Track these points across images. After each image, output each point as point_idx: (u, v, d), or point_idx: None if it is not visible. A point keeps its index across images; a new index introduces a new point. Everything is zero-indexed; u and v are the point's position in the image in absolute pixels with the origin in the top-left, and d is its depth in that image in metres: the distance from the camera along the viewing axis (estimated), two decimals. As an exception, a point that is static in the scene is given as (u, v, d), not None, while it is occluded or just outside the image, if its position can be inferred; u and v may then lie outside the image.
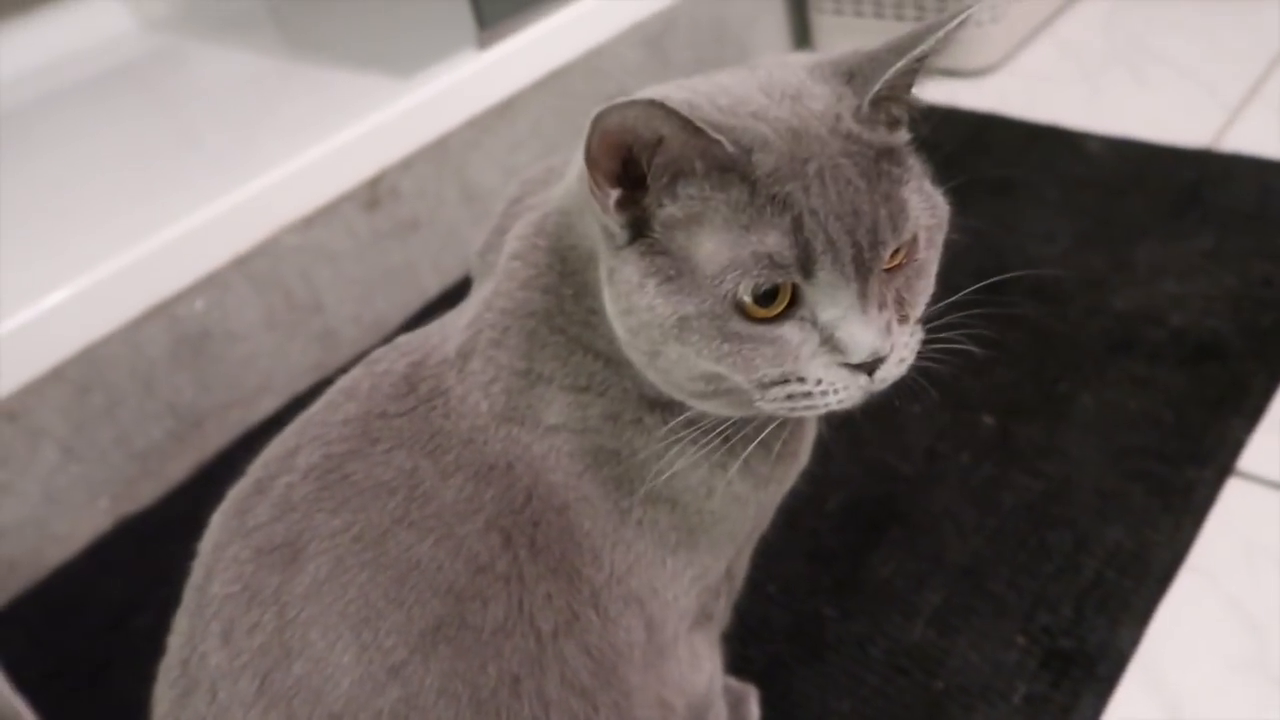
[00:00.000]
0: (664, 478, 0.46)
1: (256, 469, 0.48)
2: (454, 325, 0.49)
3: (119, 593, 0.83)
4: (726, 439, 0.45)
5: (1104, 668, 0.64)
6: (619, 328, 0.43)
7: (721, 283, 0.39)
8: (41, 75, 1.47)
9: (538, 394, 0.46)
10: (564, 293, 0.46)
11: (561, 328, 0.46)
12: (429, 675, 0.42)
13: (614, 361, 0.46)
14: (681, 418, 0.45)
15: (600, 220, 0.42)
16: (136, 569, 0.84)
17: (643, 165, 0.40)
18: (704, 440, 0.45)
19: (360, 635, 0.42)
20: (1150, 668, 0.64)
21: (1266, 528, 0.71)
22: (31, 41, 1.53)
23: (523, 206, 0.51)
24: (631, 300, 0.41)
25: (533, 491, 0.45)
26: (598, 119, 0.38)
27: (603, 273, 0.43)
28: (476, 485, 0.45)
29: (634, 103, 0.37)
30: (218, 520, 0.47)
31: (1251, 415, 0.78)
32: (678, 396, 0.45)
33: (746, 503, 0.50)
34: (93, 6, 1.60)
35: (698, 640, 0.52)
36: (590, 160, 0.40)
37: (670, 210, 0.40)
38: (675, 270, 0.40)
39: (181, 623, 0.46)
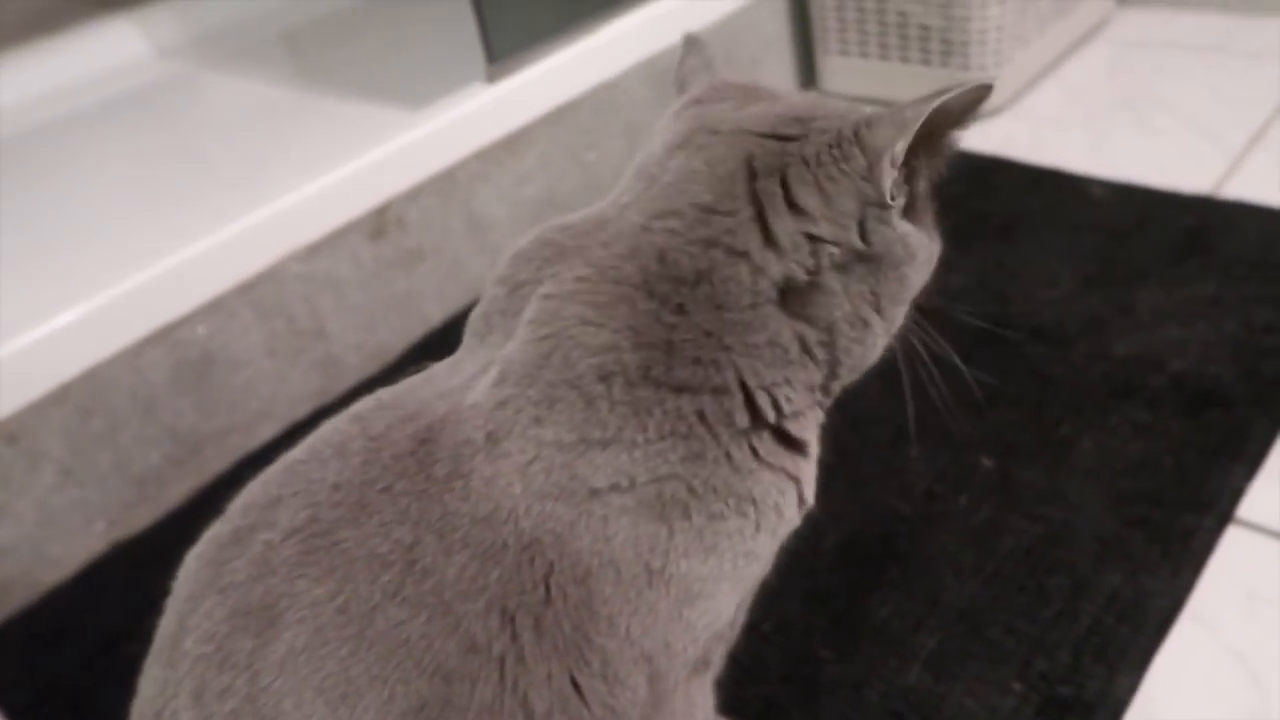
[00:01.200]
0: (723, 520, 0.45)
1: (235, 514, 0.46)
2: (450, 386, 0.47)
3: (111, 617, 0.82)
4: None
5: (1101, 716, 0.63)
6: (894, 292, 0.50)
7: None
8: (54, 99, 1.49)
9: (587, 460, 0.44)
10: (677, 336, 0.44)
11: (657, 378, 0.44)
12: None
13: (722, 391, 0.45)
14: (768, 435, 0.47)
15: (861, 193, 0.46)
16: (129, 594, 0.84)
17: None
18: (778, 464, 0.47)
19: (336, 711, 0.40)
20: (1148, 717, 0.63)
21: (1266, 577, 0.70)
22: (46, 66, 1.56)
23: (535, 273, 0.48)
24: (917, 252, 0.49)
25: (555, 566, 0.43)
26: (966, 91, 0.47)
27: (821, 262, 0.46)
28: (483, 564, 0.42)
29: (974, 86, 0.47)
30: (192, 566, 0.46)
31: (1252, 463, 0.78)
32: (866, 360, 0.52)
33: (777, 538, 0.50)
34: (107, 32, 1.63)
35: (694, 688, 0.51)
36: (904, 141, 0.46)
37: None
38: (918, 218, 0.50)
39: (154, 671, 0.45)
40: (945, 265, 1.10)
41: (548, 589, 0.43)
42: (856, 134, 0.47)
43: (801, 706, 0.67)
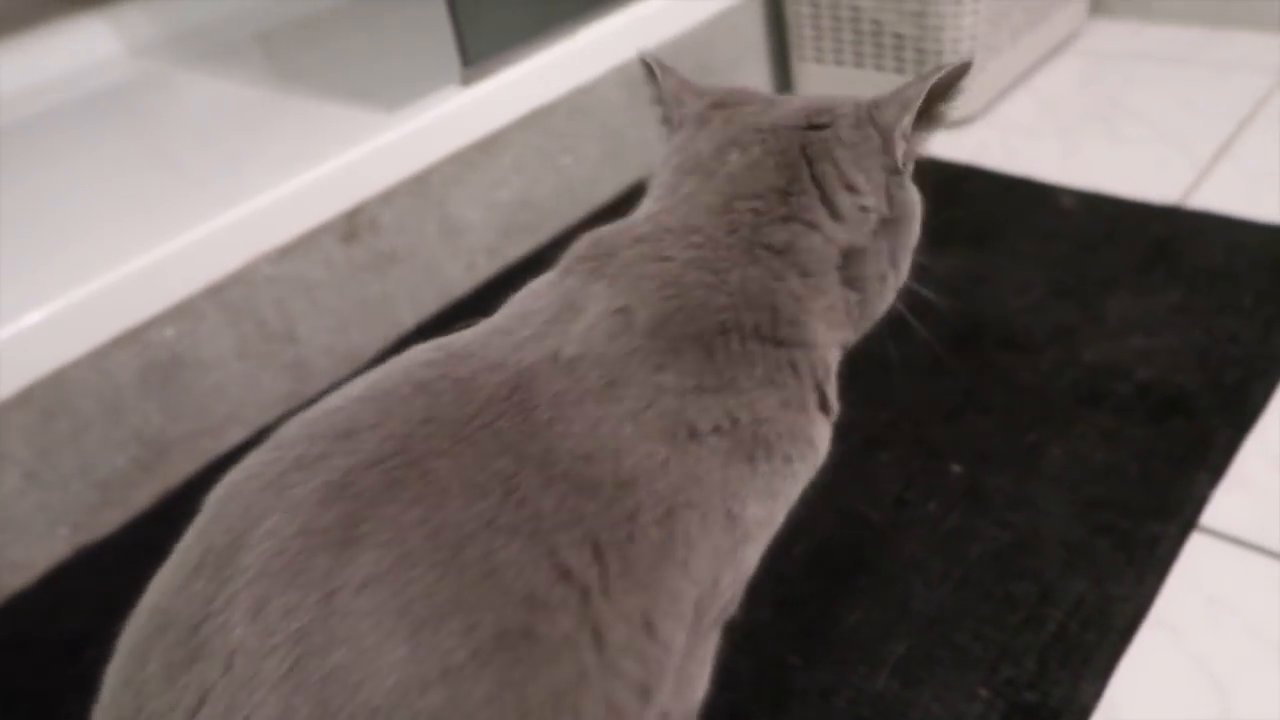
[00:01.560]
0: (789, 464, 0.52)
1: (293, 444, 0.46)
2: (522, 338, 0.50)
3: (75, 624, 0.81)
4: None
5: (1066, 722, 0.64)
6: (907, 244, 0.59)
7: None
8: (25, 98, 1.47)
9: (699, 404, 0.49)
10: (778, 300, 0.52)
11: (764, 334, 0.51)
12: (481, 683, 0.41)
13: (808, 345, 0.53)
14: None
15: (902, 173, 0.56)
16: (94, 599, 0.83)
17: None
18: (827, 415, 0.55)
19: (417, 634, 0.40)
20: (1112, 723, 0.64)
21: (1228, 583, 0.71)
22: (16, 64, 1.54)
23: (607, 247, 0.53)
24: (919, 209, 0.58)
25: (643, 505, 0.46)
26: (951, 70, 0.55)
27: (869, 216, 0.54)
28: (580, 498, 0.45)
29: (959, 65, 0.55)
30: (246, 488, 0.45)
31: (1215, 471, 0.79)
32: (880, 311, 0.60)
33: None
34: (79, 31, 1.61)
35: (714, 637, 0.55)
36: (909, 117, 0.54)
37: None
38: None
39: (185, 582, 0.43)
40: (917, 272, 1.11)
41: (633, 526, 0.45)
42: (870, 115, 0.56)
43: (770, 713, 0.67)
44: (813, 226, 0.54)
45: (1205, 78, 1.35)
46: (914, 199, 0.58)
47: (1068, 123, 1.32)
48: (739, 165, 0.55)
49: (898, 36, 1.31)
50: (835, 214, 0.54)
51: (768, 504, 0.53)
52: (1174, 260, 1.02)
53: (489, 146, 1.13)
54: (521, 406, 0.46)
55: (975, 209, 1.16)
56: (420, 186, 1.07)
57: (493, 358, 0.49)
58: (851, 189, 0.55)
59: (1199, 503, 0.77)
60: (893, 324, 0.99)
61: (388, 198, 1.05)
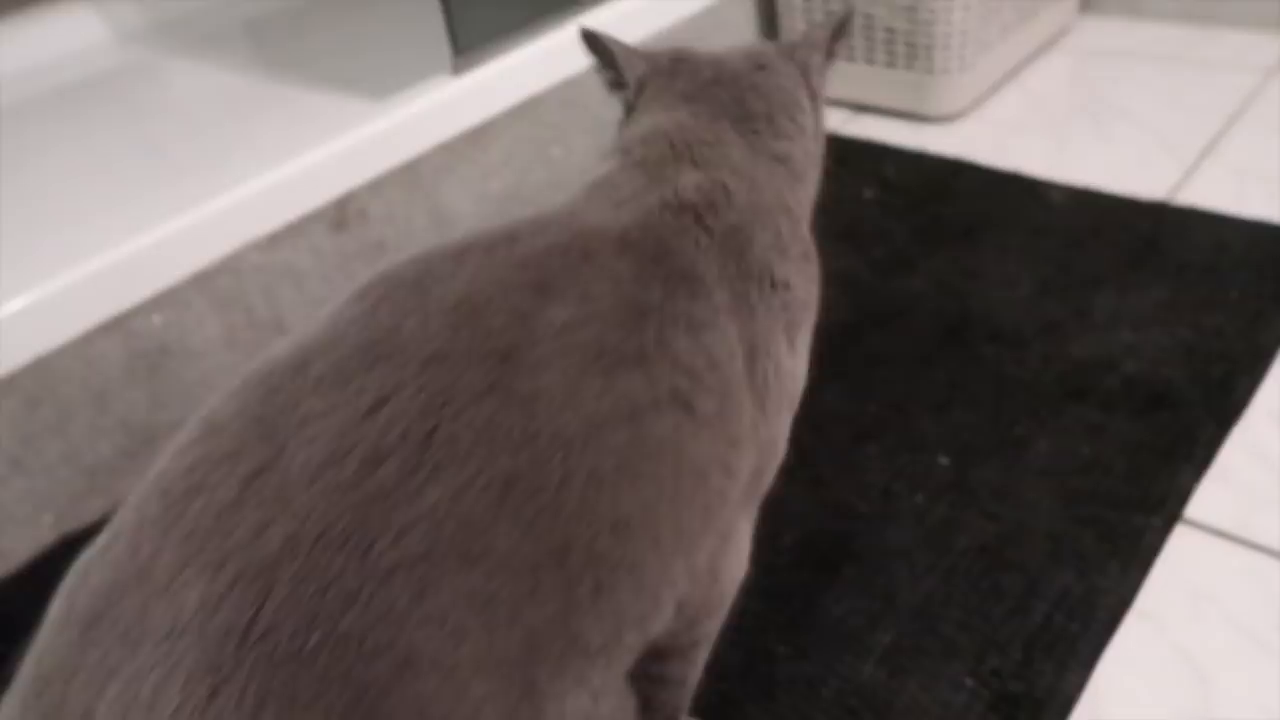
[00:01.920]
0: (809, 315, 0.64)
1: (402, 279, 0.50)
2: (618, 204, 0.58)
3: (59, 611, 0.81)
4: None
5: (1050, 712, 0.64)
6: (820, 142, 0.72)
7: None
8: (9, 84, 1.46)
9: (780, 264, 0.59)
10: (789, 187, 0.65)
11: (793, 208, 0.64)
12: (657, 427, 0.48)
13: (804, 221, 0.67)
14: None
15: (817, 98, 0.71)
16: (79, 587, 0.82)
17: None
18: None
19: (611, 377, 0.47)
20: (1096, 713, 0.64)
21: (1212, 575, 0.72)
22: (7, 48, 1.52)
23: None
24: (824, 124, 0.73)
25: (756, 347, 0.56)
26: (842, 17, 0.70)
27: (806, 126, 0.68)
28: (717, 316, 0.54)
29: (847, 13, 0.71)
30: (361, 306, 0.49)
31: (1200, 464, 0.80)
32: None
33: None
34: (66, 17, 1.59)
35: (751, 517, 0.62)
36: (819, 55, 0.70)
37: None
38: None
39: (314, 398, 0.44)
40: (907, 266, 1.12)
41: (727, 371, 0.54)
42: (792, 56, 0.70)
43: (758, 703, 0.68)
44: (792, 139, 0.67)
45: (1193, 75, 1.36)
46: (823, 117, 0.74)
47: (1057, 119, 1.33)
48: (728, 99, 0.66)
49: (889, 31, 1.31)
50: (800, 130, 0.68)
51: (797, 359, 0.62)
52: (1161, 256, 1.02)
53: (479, 137, 1.12)
54: (666, 278, 0.53)
55: (964, 204, 1.16)
56: (410, 176, 1.07)
57: (590, 226, 0.56)
58: (799, 110, 0.68)
59: (1183, 495, 0.77)
60: (881, 318, 1.00)
61: (377, 187, 1.04)
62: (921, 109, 1.35)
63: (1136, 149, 1.23)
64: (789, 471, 0.85)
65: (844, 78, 1.39)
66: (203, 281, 0.92)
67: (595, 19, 1.21)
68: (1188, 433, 0.82)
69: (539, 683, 0.44)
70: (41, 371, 0.84)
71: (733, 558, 0.59)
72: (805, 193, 0.69)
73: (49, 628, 0.44)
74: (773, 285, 0.58)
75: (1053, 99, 1.38)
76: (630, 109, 0.69)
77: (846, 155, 1.30)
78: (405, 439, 0.42)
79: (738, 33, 1.43)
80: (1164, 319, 0.94)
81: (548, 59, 1.17)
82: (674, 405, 0.49)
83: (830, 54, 0.71)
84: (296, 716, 0.38)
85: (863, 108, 1.41)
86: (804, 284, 0.62)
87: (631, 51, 0.70)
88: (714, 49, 0.71)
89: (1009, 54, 1.39)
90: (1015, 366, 0.91)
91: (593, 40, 0.70)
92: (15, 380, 0.82)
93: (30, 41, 1.54)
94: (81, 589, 0.44)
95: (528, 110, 1.16)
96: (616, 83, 0.70)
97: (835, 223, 1.16)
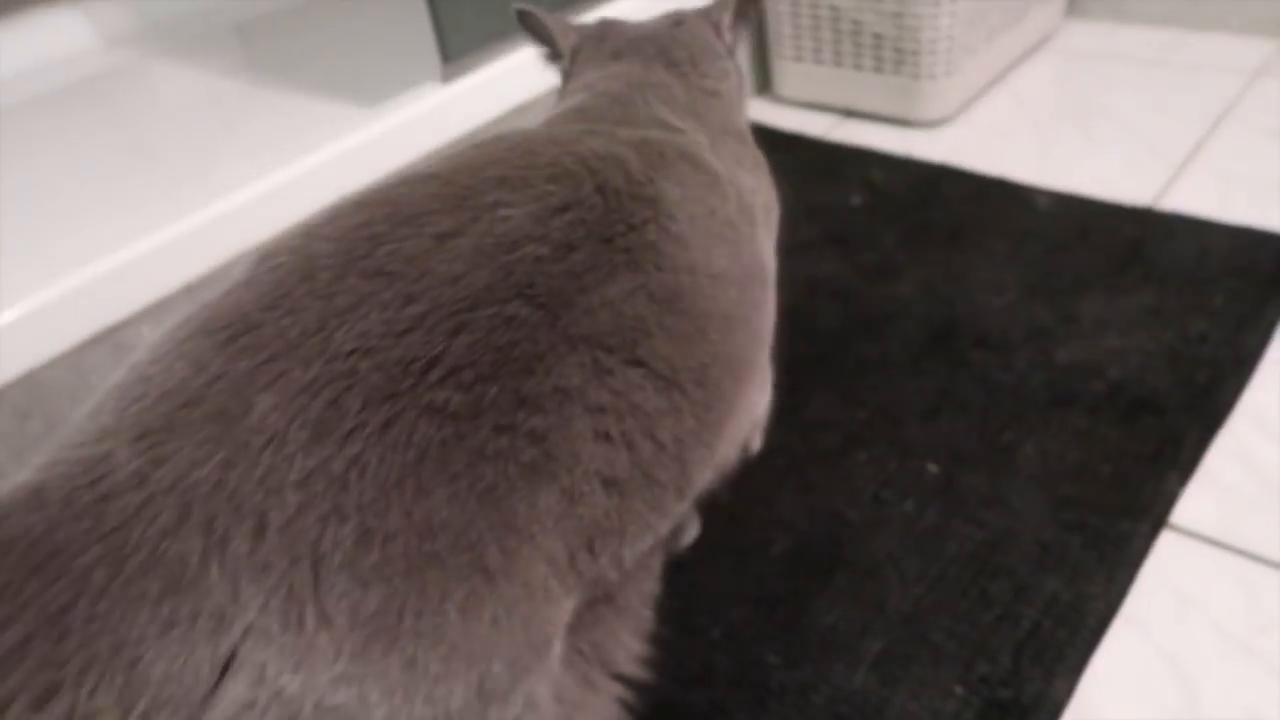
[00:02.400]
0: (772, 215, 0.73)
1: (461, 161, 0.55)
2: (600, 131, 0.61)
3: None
4: None
5: (1039, 719, 0.65)
6: (740, 85, 0.78)
7: None
8: (-4, 89, 1.45)
9: (747, 181, 0.68)
10: (731, 117, 0.73)
11: (743, 135, 0.74)
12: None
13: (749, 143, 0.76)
14: None
15: (733, 51, 0.78)
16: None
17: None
18: None
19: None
20: (1084, 719, 0.65)
21: (1198, 581, 0.73)
22: (-13, 54, 1.51)
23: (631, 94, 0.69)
24: (741, 68, 0.79)
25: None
26: None
27: (729, 70, 0.76)
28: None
29: None
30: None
31: (1185, 469, 0.80)
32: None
33: None
34: (54, 21, 1.58)
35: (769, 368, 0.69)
36: (728, 14, 0.77)
37: None
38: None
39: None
40: (894, 272, 1.12)
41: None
42: (706, 14, 0.78)
43: (749, 711, 0.68)
44: (717, 80, 0.74)
45: (1178, 79, 1.37)
46: (740, 62, 0.80)
47: (1043, 123, 1.33)
48: (654, 50, 0.73)
49: (876, 36, 1.32)
50: (723, 73, 0.75)
51: (772, 253, 0.70)
52: (1146, 261, 1.03)
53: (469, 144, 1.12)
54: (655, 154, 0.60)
55: (951, 209, 1.17)
56: (399, 184, 1.07)
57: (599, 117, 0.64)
58: (717, 57, 0.75)
59: (1169, 501, 0.78)
60: (869, 324, 1.01)
61: (367, 195, 1.04)
62: (908, 114, 1.35)
63: (1122, 153, 1.23)
64: (778, 479, 0.85)
65: (831, 83, 1.40)
66: (193, 293, 0.92)
67: (584, 25, 1.21)
68: (1173, 438, 0.83)
69: (688, 486, 0.53)
70: (31, 384, 0.83)
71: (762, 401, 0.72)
72: (742, 119, 0.77)
73: (191, 332, 0.44)
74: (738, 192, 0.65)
75: (1039, 103, 1.39)
76: (567, 75, 0.76)
77: (834, 161, 1.30)
78: (589, 238, 0.49)
79: (726, 37, 1.44)
80: (1149, 324, 0.95)
81: (537, 66, 1.17)
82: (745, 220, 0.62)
83: (740, 14, 0.79)
84: (440, 485, 0.40)
85: (850, 113, 1.42)
86: (764, 188, 0.71)
87: (564, 23, 0.77)
88: (637, 22, 0.79)
89: (995, 58, 1.40)
90: (1002, 373, 0.92)
91: (526, 17, 0.77)
92: (5, 393, 0.82)
93: (16, 46, 1.53)
94: (232, 297, 0.45)
95: (516, 118, 1.16)
96: (553, 55, 0.79)
97: (823, 228, 1.17)
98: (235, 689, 0.36)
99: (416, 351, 0.41)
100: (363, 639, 0.38)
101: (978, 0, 1.30)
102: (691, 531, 0.79)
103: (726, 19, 0.78)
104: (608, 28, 0.77)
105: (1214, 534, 0.76)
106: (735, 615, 0.75)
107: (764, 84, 1.51)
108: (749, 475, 0.85)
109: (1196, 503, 0.78)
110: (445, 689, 0.39)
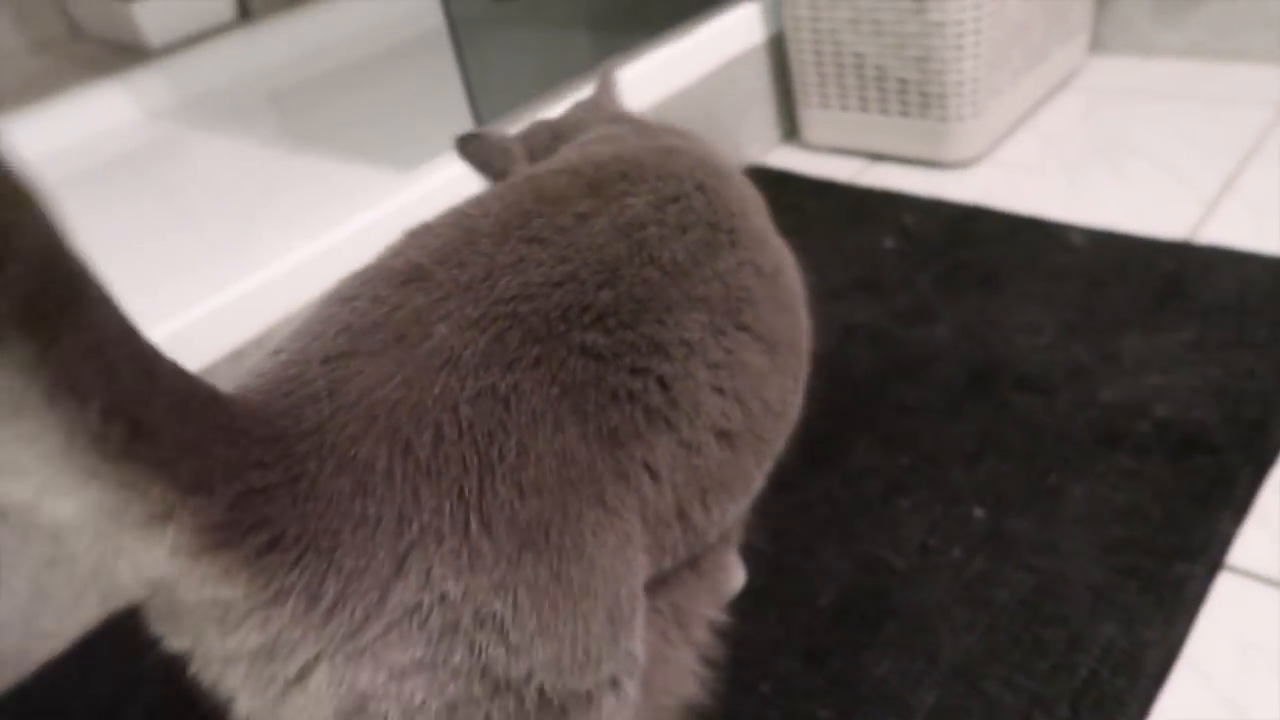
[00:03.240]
0: None
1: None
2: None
3: (105, 692, 0.82)
4: None
5: (1102, 771, 0.63)
6: None
7: None
8: (45, 163, 1.50)
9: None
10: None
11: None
12: None
13: None
14: None
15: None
16: (124, 668, 0.83)
17: None
18: None
19: None
20: (1148, 771, 0.64)
21: (1259, 623, 0.71)
22: (37, 130, 1.57)
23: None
24: None
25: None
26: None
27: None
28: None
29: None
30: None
31: (1239, 509, 0.79)
32: None
33: None
34: (97, 96, 1.64)
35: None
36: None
37: None
38: None
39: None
40: (930, 315, 1.12)
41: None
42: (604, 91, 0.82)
43: (803, 768, 0.67)
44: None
45: (1207, 111, 1.37)
46: None
47: (1072, 161, 1.33)
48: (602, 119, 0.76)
49: (901, 81, 1.33)
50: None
51: None
52: (1186, 296, 1.02)
53: (502, 203, 1.14)
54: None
55: (983, 250, 1.17)
56: (436, 245, 1.09)
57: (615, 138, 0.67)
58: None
59: (1224, 541, 0.77)
60: (906, 368, 1.00)
61: (405, 257, 1.06)
62: (936, 156, 1.36)
63: (1154, 188, 1.23)
64: (821, 528, 0.85)
65: (857, 128, 1.41)
66: (236, 360, 0.94)
67: (612, 83, 1.23)
68: (1225, 477, 0.82)
69: (779, 446, 0.60)
70: (84, 454, 0.85)
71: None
72: None
73: (372, 279, 0.49)
74: None
75: (1067, 140, 1.39)
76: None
77: (864, 205, 1.31)
78: (698, 223, 0.56)
79: (751, 89, 1.46)
80: (1193, 360, 0.94)
81: (567, 124, 1.19)
82: None
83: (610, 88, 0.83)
84: (574, 421, 0.45)
85: (877, 157, 1.43)
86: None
87: (504, 142, 0.73)
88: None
89: (1021, 97, 1.41)
90: (1045, 414, 0.91)
91: (467, 141, 0.73)
92: (59, 464, 0.84)
93: (64, 121, 1.59)
94: (410, 247, 0.51)
95: (549, 175, 1.18)
96: (500, 172, 0.72)
97: (857, 273, 1.18)
98: (404, 592, 0.39)
99: (569, 300, 0.48)
100: (517, 546, 0.41)
101: (1001, 42, 1.31)
102: (738, 577, 0.79)
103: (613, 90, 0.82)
104: (542, 124, 0.76)
105: (1273, 574, 0.74)
106: (784, 669, 0.74)
107: (790, 131, 1.53)
108: (792, 525, 0.85)
109: (1253, 542, 0.76)
110: (588, 606, 0.44)
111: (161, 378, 0.38)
